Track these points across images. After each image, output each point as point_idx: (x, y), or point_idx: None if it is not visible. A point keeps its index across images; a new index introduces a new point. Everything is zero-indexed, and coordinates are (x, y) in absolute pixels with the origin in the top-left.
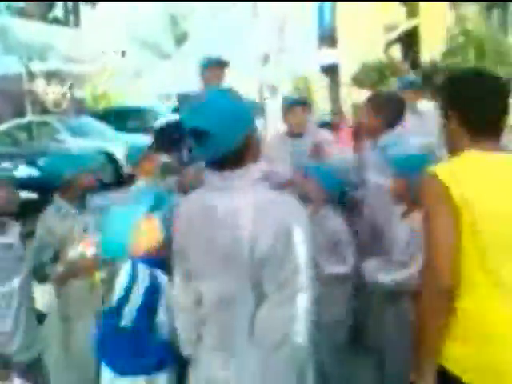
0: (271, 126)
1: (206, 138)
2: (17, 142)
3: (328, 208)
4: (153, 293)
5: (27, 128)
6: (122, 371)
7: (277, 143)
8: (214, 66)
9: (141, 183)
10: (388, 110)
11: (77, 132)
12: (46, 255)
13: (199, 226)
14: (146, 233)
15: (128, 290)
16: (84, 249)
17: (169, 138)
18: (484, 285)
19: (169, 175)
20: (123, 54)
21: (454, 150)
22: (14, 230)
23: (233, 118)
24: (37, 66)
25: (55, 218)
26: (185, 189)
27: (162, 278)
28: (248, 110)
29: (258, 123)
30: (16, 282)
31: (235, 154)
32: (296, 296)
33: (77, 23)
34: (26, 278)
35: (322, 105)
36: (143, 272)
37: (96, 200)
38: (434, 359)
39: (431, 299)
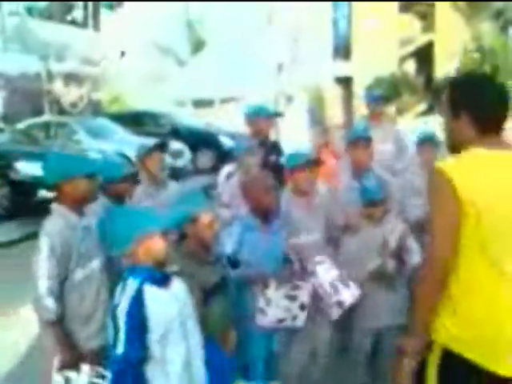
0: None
1: None
2: (34, 140)
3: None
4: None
5: (45, 127)
6: None
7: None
8: (269, 116)
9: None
10: None
11: (94, 134)
12: None
13: None
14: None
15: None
16: None
17: None
18: (486, 275)
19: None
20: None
21: (458, 146)
22: (93, 215)
23: None
24: (55, 67)
25: None
26: None
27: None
28: None
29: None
30: (96, 264)
31: None
32: None
33: (96, 27)
34: (104, 261)
35: (334, 116)
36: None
37: None
38: (424, 330)
39: (429, 284)
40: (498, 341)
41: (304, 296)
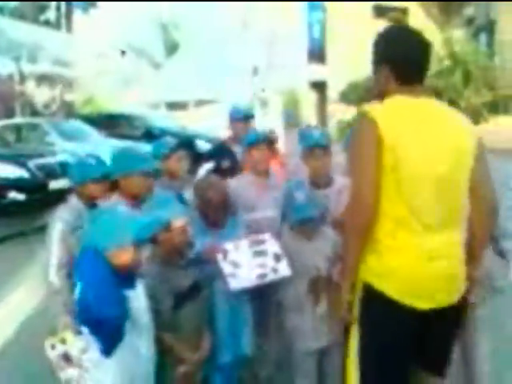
0: None
1: None
2: (5, 142)
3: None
4: None
5: (17, 129)
6: None
7: None
8: (244, 120)
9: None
10: None
11: (66, 136)
12: None
13: None
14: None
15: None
16: None
17: None
18: (404, 219)
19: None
20: (123, 53)
21: (382, 95)
22: None
23: None
24: (28, 68)
25: None
26: None
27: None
28: None
29: None
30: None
31: None
32: None
33: (69, 29)
34: None
35: (309, 120)
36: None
37: None
38: (353, 275)
39: (355, 225)
40: (410, 278)
41: (272, 246)
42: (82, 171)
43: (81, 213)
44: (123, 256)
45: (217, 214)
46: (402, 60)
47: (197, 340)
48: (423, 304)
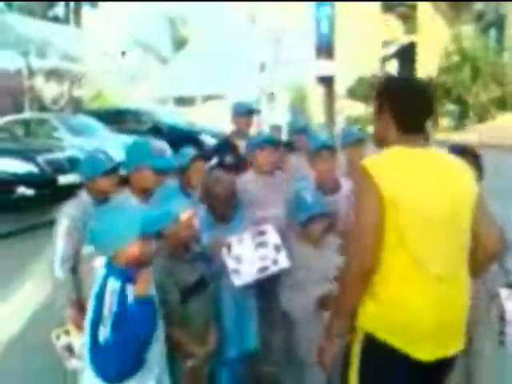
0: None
1: None
2: (14, 137)
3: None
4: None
5: (25, 124)
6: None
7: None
8: (247, 115)
9: None
10: None
11: (75, 131)
12: None
13: None
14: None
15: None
16: None
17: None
18: (406, 269)
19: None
20: (123, 53)
21: (381, 141)
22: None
23: None
24: (36, 63)
25: None
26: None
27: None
28: None
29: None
30: None
31: None
32: None
33: (78, 23)
34: None
35: (316, 115)
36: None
37: None
38: (346, 322)
39: (354, 272)
40: (418, 328)
41: (273, 238)
42: (92, 166)
43: (89, 208)
44: (130, 250)
45: (224, 208)
46: (406, 115)
47: (204, 334)
48: (429, 355)
